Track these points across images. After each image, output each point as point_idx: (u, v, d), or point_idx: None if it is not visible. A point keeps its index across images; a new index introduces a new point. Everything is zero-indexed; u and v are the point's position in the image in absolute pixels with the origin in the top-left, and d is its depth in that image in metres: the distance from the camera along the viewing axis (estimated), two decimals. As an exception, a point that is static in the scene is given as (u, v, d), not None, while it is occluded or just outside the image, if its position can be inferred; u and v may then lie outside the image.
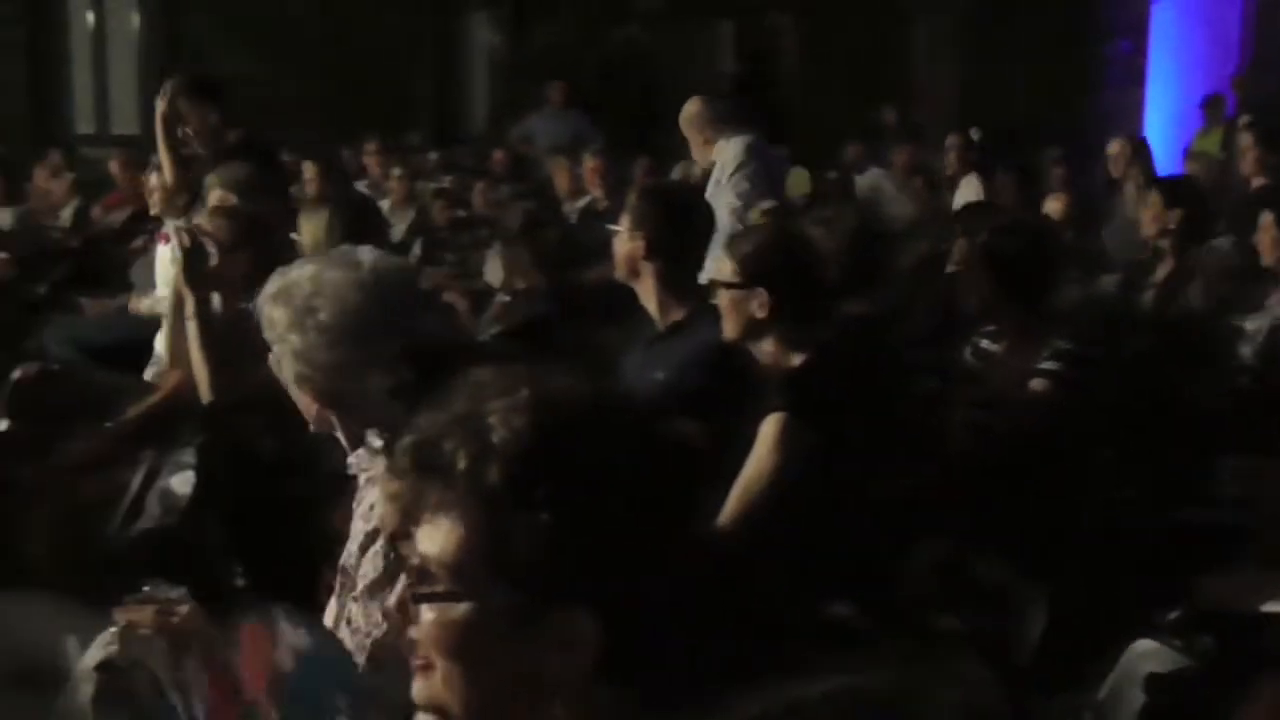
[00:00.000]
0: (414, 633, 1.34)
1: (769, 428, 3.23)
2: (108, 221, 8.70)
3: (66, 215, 8.96)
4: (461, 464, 1.29)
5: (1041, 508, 3.51)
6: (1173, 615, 2.90)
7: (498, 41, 14.63)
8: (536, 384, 1.34)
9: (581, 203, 8.53)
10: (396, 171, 9.26)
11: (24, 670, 2.50)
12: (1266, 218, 5.30)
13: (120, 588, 2.22)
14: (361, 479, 2.43)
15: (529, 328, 4.88)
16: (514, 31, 14.40)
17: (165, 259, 5.32)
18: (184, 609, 2.17)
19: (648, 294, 3.85)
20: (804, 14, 13.93)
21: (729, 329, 3.47)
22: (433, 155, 11.11)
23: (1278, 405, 4.43)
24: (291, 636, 2.08)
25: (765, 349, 3.44)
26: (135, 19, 12.96)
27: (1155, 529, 3.65)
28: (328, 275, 2.43)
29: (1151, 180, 7.75)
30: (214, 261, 4.01)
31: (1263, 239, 5.32)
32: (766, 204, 5.96)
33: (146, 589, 2.22)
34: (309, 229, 4.36)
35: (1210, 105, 11.59)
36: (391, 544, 2.26)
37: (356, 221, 4.36)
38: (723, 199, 5.80)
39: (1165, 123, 12.56)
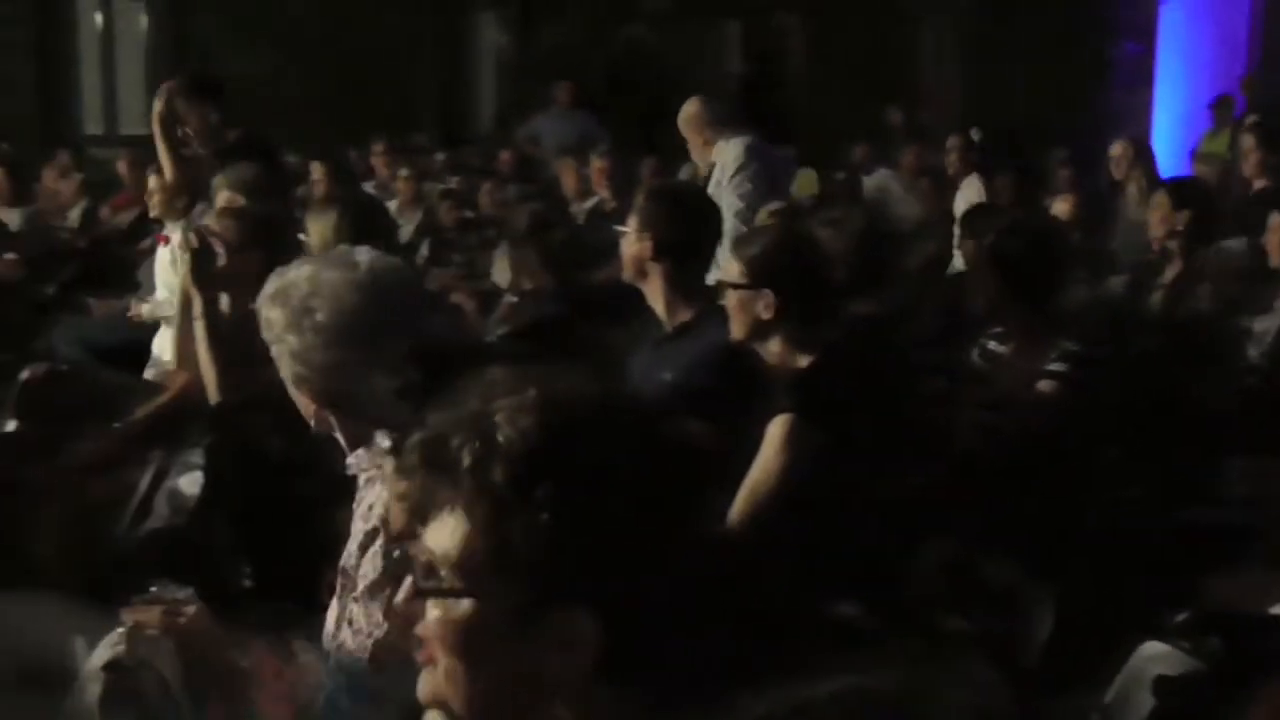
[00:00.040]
0: (420, 628, 1.35)
1: (776, 428, 3.24)
2: (116, 222, 8.72)
3: (74, 216, 8.97)
4: (466, 461, 1.30)
5: (1049, 508, 3.50)
6: (1180, 616, 2.90)
7: (504, 42, 14.63)
8: (544, 385, 1.35)
9: (589, 203, 8.52)
10: (404, 172, 9.26)
11: (32, 670, 2.50)
12: (1276, 219, 5.30)
13: (128, 588, 2.23)
14: (361, 479, 2.44)
15: (536, 328, 4.88)
16: (521, 32, 14.40)
17: (165, 260, 5.32)
18: (191, 609, 2.17)
19: (655, 295, 3.85)
20: (811, 14, 13.93)
21: (736, 330, 3.47)
22: (440, 156, 11.11)
23: (1286, 406, 4.43)
24: (312, 672, 2.10)
25: (772, 350, 3.44)
26: (143, 19, 12.99)
27: (1162, 529, 3.65)
28: (325, 276, 2.43)
29: (1154, 182, 7.75)
30: (222, 262, 4.02)
31: (1271, 240, 5.32)
32: (774, 205, 5.96)
33: (154, 589, 2.23)
34: (317, 230, 4.36)
35: (1219, 106, 11.58)
36: (391, 544, 2.26)
37: (365, 222, 4.36)
38: (724, 200, 5.79)
39: (1173, 124, 12.56)
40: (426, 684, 1.36)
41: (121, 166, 9.39)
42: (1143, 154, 8.20)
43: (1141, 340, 5.03)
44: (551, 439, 1.30)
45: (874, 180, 9.42)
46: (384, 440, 2.37)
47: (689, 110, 6.34)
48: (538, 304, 5.24)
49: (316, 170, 8.66)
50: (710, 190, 5.92)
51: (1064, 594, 3.08)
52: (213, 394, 3.88)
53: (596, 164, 8.52)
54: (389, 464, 2.32)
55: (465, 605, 1.31)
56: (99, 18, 12.93)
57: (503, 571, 1.29)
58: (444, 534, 1.32)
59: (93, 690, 2.14)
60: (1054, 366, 3.84)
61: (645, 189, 4.71)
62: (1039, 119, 11.52)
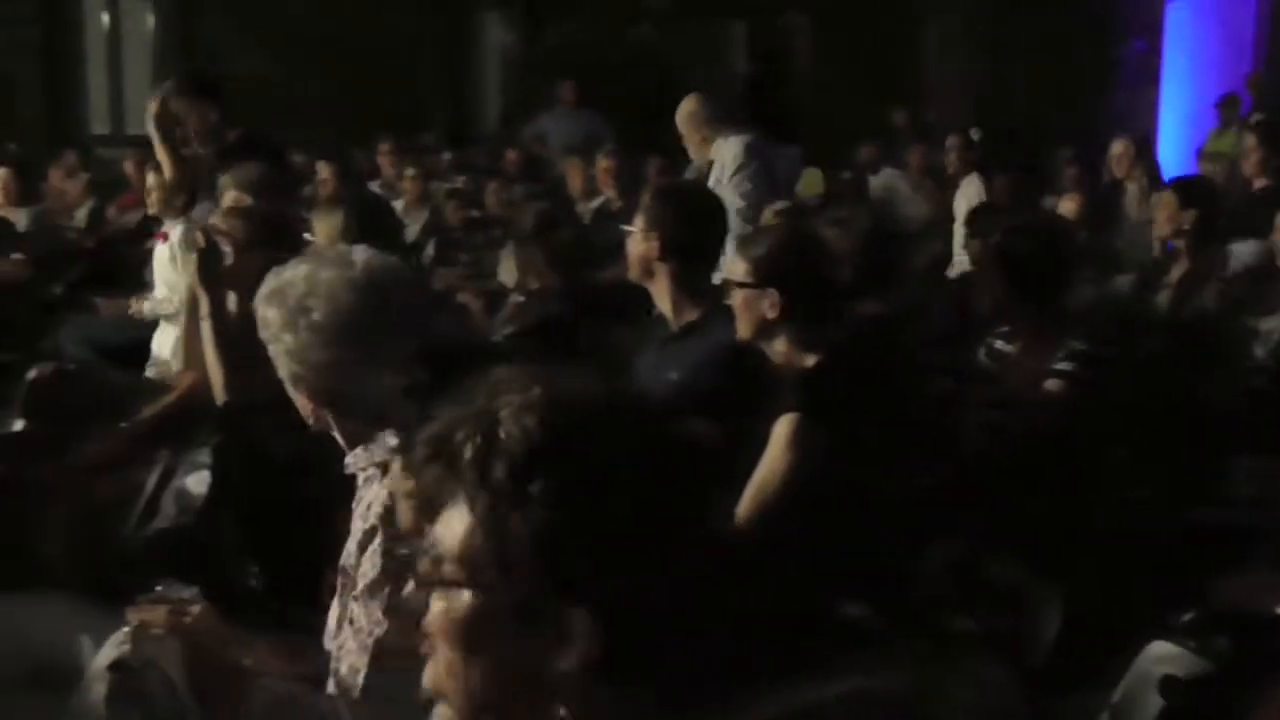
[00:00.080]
0: (425, 620, 1.36)
1: (782, 428, 3.23)
2: (123, 222, 8.72)
3: (81, 215, 8.99)
4: (468, 456, 1.31)
5: (1056, 508, 3.50)
6: (1188, 617, 2.89)
7: (510, 41, 14.64)
8: (550, 383, 1.35)
9: (595, 203, 8.52)
10: (410, 172, 9.26)
11: (38, 669, 2.51)
12: (1281, 219, 5.30)
13: (135, 587, 2.23)
14: (359, 478, 2.44)
15: (542, 328, 4.88)
16: (527, 31, 14.41)
17: (164, 258, 5.34)
18: (197, 609, 2.17)
19: (662, 294, 3.84)
20: (817, 14, 13.92)
21: (741, 329, 3.47)
22: (446, 155, 11.11)
23: (1292, 406, 4.42)
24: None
25: (778, 349, 3.43)
26: (150, 20, 13.01)
27: (1170, 529, 3.64)
28: (321, 275, 2.43)
29: (1155, 180, 7.73)
30: (229, 261, 4.02)
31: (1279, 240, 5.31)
32: (779, 204, 5.96)
33: (160, 589, 2.22)
34: (323, 229, 4.37)
35: (1226, 105, 11.55)
36: (390, 542, 2.27)
37: (371, 222, 4.36)
38: (725, 199, 5.79)
39: (1179, 123, 12.54)
40: (429, 676, 1.38)
41: (128, 166, 9.40)
42: (1143, 152, 8.18)
43: (1149, 340, 5.03)
44: (554, 437, 1.30)
45: (880, 180, 9.42)
46: (391, 439, 2.37)
47: (687, 107, 6.33)
48: (544, 303, 5.23)
49: (323, 170, 8.67)
50: (709, 188, 5.92)
51: (1071, 594, 3.08)
52: (219, 394, 3.89)
53: (602, 163, 8.52)
54: (396, 462, 2.32)
55: (466, 598, 1.32)
56: (106, 18, 12.95)
57: (503, 567, 1.30)
58: (449, 527, 1.33)
59: (98, 690, 2.13)
60: (1061, 366, 3.83)
61: (651, 188, 4.72)
62: (1045, 118, 11.51)
